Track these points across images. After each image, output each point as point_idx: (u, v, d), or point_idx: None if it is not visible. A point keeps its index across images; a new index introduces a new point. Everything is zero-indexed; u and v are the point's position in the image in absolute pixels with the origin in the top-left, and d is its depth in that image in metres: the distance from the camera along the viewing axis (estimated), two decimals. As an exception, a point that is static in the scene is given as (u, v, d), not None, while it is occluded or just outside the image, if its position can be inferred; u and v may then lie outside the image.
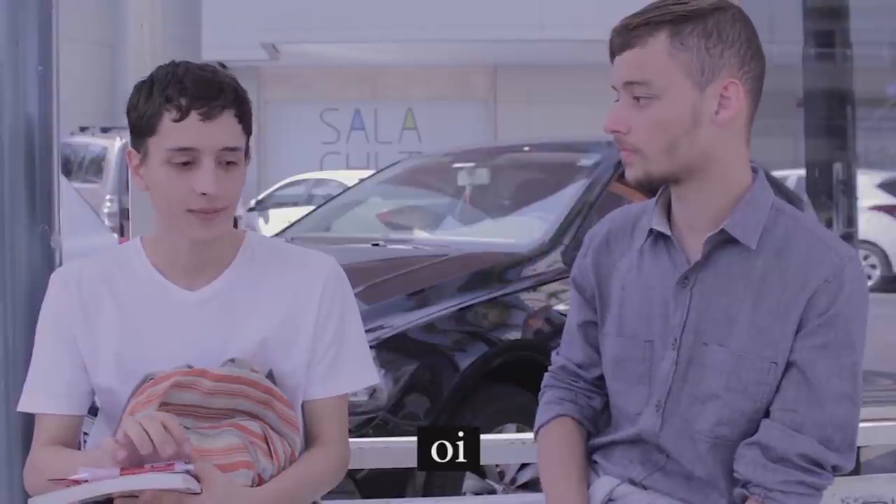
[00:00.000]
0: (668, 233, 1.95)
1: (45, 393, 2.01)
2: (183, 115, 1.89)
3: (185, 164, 1.91)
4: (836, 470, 1.87)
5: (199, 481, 1.80)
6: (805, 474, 1.84)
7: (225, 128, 1.92)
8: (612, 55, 1.90)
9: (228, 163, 1.93)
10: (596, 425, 2.08)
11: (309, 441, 2.06)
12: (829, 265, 1.85)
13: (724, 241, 1.90)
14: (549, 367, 2.15)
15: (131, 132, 1.98)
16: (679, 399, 1.92)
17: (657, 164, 1.87)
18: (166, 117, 1.90)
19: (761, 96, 1.92)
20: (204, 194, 1.90)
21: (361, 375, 2.09)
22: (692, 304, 1.91)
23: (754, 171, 1.94)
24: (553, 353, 2.17)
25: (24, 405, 2.03)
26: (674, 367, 1.92)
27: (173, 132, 1.90)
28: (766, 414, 1.88)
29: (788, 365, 1.86)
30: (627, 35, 1.87)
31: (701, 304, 1.91)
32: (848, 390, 1.86)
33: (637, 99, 1.87)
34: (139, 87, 1.96)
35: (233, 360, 1.97)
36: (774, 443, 1.84)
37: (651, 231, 1.97)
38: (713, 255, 1.91)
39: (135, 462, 1.79)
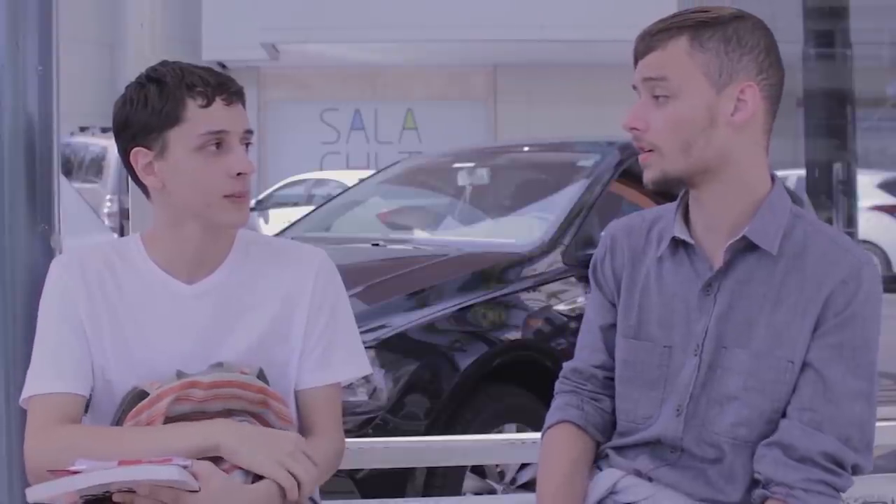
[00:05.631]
0: (691, 241, 1.97)
1: (55, 373, 1.97)
2: (209, 100, 1.95)
3: (216, 149, 1.95)
4: (855, 471, 1.88)
5: (196, 479, 1.81)
6: (827, 474, 1.85)
7: (241, 111, 2.00)
8: (636, 60, 1.96)
9: (248, 145, 2.01)
10: (605, 430, 2.08)
11: (303, 432, 2.07)
12: (847, 266, 1.89)
13: (745, 247, 1.93)
14: (560, 374, 2.15)
15: (138, 132, 1.98)
16: (699, 402, 1.95)
17: (674, 162, 1.91)
18: (192, 105, 1.95)
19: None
20: (240, 174, 1.96)
21: (354, 365, 2.11)
22: (715, 310, 1.94)
23: (773, 179, 1.98)
24: (564, 364, 2.17)
25: (32, 389, 1.97)
26: (696, 373, 1.94)
27: (203, 117, 1.95)
28: (784, 414, 1.89)
29: (805, 365, 1.89)
30: (650, 40, 1.93)
31: (723, 310, 1.94)
32: (863, 389, 1.88)
33: (656, 98, 1.91)
34: (141, 87, 1.98)
35: (220, 364, 1.98)
36: (796, 442, 1.86)
37: (672, 239, 1.99)
38: (734, 261, 1.94)
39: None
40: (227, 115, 1.97)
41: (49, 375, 1.98)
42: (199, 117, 1.95)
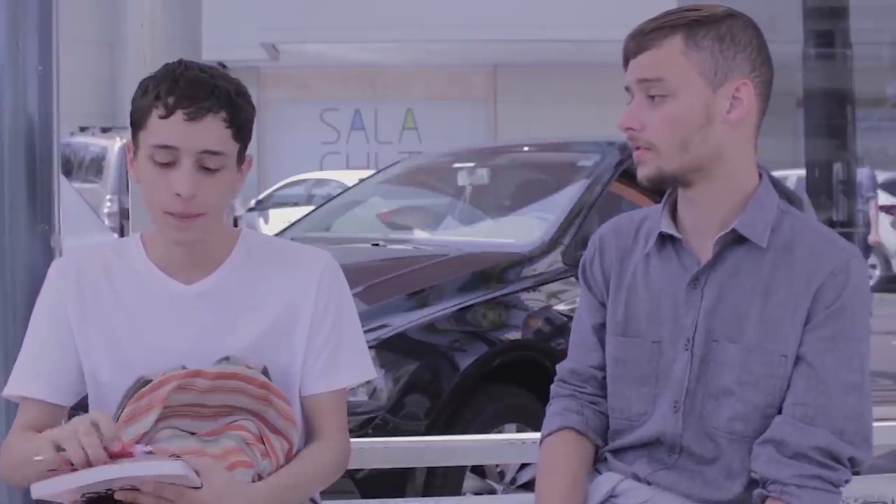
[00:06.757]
0: (679, 235, 1.98)
1: (29, 376, 2.01)
2: (168, 112, 1.90)
3: (167, 164, 1.91)
4: (853, 464, 1.88)
5: (199, 476, 1.80)
6: (820, 468, 1.85)
7: (209, 130, 1.91)
8: (626, 59, 1.95)
9: (210, 168, 1.93)
10: (604, 434, 2.08)
11: (309, 436, 2.07)
12: (836, 259, 1.90)
13: (733, 240, 1.94)
14: (556, 377, 2.15)
15: (130, 125, 1.99)
16: (695, 396, 1.95)
17: (670, 161, 1.92)
18: (154, 114, 1.91)
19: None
20: (178, 195, 1.90)
21: (359, 370, 2.10)
22: (703, 304, 1.94)
23: (759, 175, 1.98)
24: (558, 366, 2.17)
25: (9, 389, 2.03)
26: (689, 368, 1.95)
27: (157, 129, 1.91)
28: (780, 410, 1.89)
29: (797, 359, 1.89)
30: (642, 39, 1.92)
31: (711, 304, 1.94)
32: (856, 381, 1.88)
33: (652, 98, 1.92)
34: (142, 83, 1.98)
35: (227, 359, 1.98)
36: (788, 438, 1.86)
37: (660, 235, 2.00)
38: (722, 254, 1.95)
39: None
40: (183, 132, 1.90)
41: (24, 378, 2.02)
42: (155, 127, 1.91)
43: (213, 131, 1.91)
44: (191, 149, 1.91)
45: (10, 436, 2.01)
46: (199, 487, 1.80)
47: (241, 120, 1.95)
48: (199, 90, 1.91)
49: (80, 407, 2.07)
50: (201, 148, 1.91)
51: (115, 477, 1.76)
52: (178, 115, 1.90)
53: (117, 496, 1.80)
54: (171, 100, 1.90)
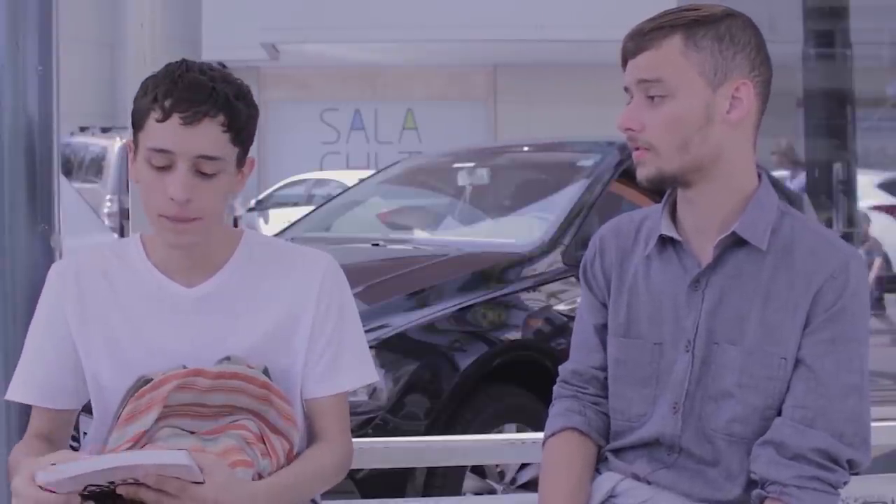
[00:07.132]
0: (679, 237, 1.98)
1: (27, 382, 2.02)
2: (165, 116, 1.88)
3: (163, 167, 1.90)
4: (852, 466, 1.89)
5: (201, 471, 1.80)
6: (819, 470, 1.85)
7: (206, 135, 1.89)
8: (625, 59, 1.95)
9: (206, 173, 1.91)
10: (607, 434, 2.08)
11: (311, 439, 2.07)
12: (835, 261, 1.90)
13: (733, 243, 1.94)
14: (559, 378, 2.15)
15: (131, 125, 1.98)
16: (695, 398, 1.95)
17: (670, 161, 1.91)
18: (151, 116, 1.90)
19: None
20: (172, 200, 1.89)
21: (361, 373, 2.10)
22: (704, 306, 1.94)
23: (759, 175, 1.98)
24: (560, 367, 2.17)
25: (9, 394, 2.05)
26: (689, 369, 1.95)
27: (154, 132, 1.90)
28: (780, 412, 1.90)
29: (797, 362, 1.89)
30: (641, 39, 1.92)
31: (712, 306, 1.94)
32: (856, 383, 1.88)
33: (651, 98, 1.91)
34: (144, 83, 1.96)
35: (228, 358, 1.98)
36: (787, 440, 1.86)
37: (660, 237, 1.99)
38: (723, 257, 1.94)
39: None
40: (180, 135, 1.88)
41: (22, 384, 2.03)
42: (152, 130, 1.90)
43: (209, 136, 1.90)
44: (186, 153, 1.89)
45: (21, 442, 2.02)
46: (201, 483, 1.80)
47: (240, 123, 1.93)
48: (196, 93, 1.88)
49: (83, 410, 2.07)
50: (197, 153, 1.89)
51: (118, 465, 1.75)
52: (175, 119, 1.88)
53: (119, 490, 1.79)
54: (168, 103, 1.88)
